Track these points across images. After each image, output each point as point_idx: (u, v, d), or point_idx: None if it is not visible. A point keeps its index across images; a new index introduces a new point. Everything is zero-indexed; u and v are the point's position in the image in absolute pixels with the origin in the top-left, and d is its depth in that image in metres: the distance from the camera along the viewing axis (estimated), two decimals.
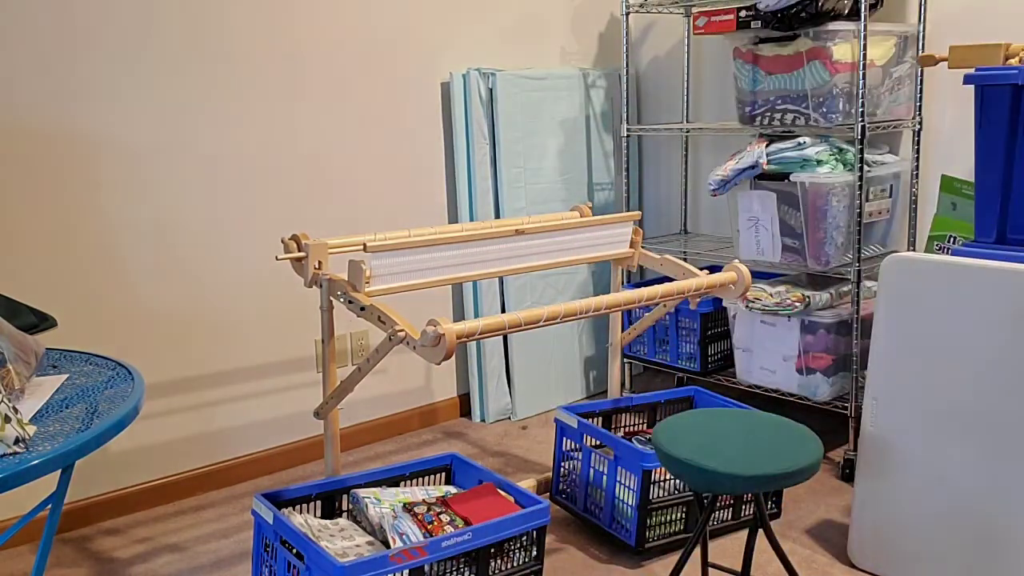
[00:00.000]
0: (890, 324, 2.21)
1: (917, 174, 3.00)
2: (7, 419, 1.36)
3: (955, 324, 2.09)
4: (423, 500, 2.25)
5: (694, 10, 3.22)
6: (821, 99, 2.80)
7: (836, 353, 2.89)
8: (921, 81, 2.98)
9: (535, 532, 2.15)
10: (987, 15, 2.81)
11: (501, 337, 3.39)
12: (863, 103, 2.70)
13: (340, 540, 2.15)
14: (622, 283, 2.78)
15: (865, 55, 2.67)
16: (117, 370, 1.79)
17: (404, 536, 2.09)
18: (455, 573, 2.04)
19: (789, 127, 2.90)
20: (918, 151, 2.99)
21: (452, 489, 2.41)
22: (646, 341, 3.41)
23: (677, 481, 2.42)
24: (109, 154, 2.60)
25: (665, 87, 3.71)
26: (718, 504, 2.48)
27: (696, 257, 3.29)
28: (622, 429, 2.82)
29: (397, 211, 3.20)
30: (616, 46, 3.74)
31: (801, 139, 2.82)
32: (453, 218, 3.35)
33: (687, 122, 3.56)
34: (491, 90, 3.25)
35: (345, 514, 2.32)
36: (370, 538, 2.19)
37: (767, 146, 2.87)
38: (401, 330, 1.95)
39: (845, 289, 2.91)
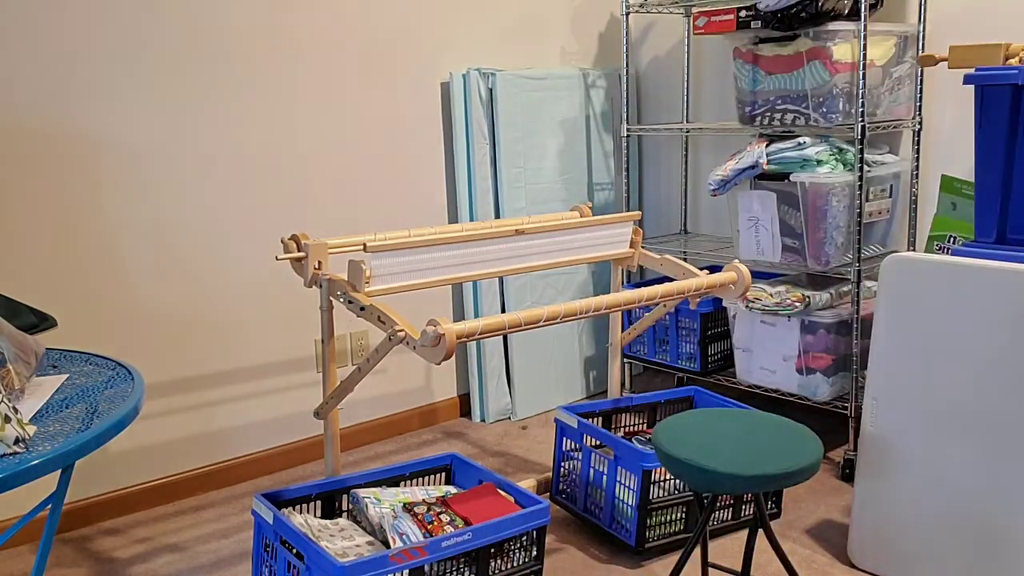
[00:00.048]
0: (890, 324, 2.21)
1: (917, 174, 3.00)
2: (7, 419, 1.36)
3: (955, 324, 2.09)
4: (423, 500, 2.25)
5: (694, 10, 3.22)
6: (821, 99, 2.80)
7: (836, 353, 2.89)
8: (921, 81, 2.98)
9: (535, 532, 2.15)
10: (987, 15, 2.81)
11: (501, 337, 3.39)
12: (863, 103, 2.70)
13: (340, 540, 2.15)
14: (622, 283, 2.78)
15: (865, 55, 2.67)
16: (117, 370, 1.79)
17: (404, 536, 2.09)
18: (455, 573, 2.04)
19: (789, 127, 2.90)
20: (918, 151, 2.99)
21: (452, 489, 2.41)
22: (646, 341, 3.41)
23: (677, 481, 2.42)
24: (109, 154, 2.60)
25: (665, 87, 3.71)
26: (718, 504, 2.48)
27: (696, 257, 3.29)
28: (622, 429, 2.82)
29: (397, 211, 3.20)
30: (616, 46, 3.74)
31: (801, 139, 2.82)
32: (453, 218, 3.35)
33: (687, 122, 3.55)
34: (491, 90, 3.25)
35: (345, 514, 2.32)
36: (370, 538, 2.19)
37: (767, 146, 2.87)
38: (401, 330, 1.95)
39: (845, 289, 2.91)
